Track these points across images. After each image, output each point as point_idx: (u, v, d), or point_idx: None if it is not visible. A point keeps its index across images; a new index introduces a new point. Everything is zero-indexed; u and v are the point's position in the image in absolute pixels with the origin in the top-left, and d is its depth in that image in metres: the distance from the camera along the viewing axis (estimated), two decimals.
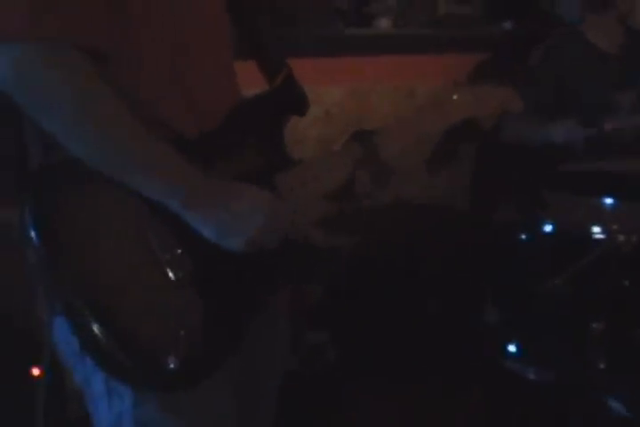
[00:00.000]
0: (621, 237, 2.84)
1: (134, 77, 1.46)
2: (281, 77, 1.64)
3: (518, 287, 3.02)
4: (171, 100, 1.49)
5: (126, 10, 1.42)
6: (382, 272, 3.44)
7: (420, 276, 3.46)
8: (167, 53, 1.48)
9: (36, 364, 2.37)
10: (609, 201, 2.95)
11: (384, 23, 4.35)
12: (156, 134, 1.42)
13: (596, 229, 2.92)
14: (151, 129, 1.42)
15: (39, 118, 1.38)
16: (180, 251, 1.46)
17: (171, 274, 1.45)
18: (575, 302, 2.87)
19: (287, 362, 1.89)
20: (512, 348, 3.00)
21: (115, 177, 1.40)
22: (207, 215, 1.44)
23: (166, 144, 1.43)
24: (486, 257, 3.27)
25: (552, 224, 3.00)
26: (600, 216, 2.94)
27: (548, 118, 3.17)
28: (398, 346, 3.24)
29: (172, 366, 1.42)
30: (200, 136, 1.50)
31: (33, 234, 1.41)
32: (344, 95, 3.73)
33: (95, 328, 1.40)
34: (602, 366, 2.82)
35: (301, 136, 3.41)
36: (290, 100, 1.64)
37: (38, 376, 2.39)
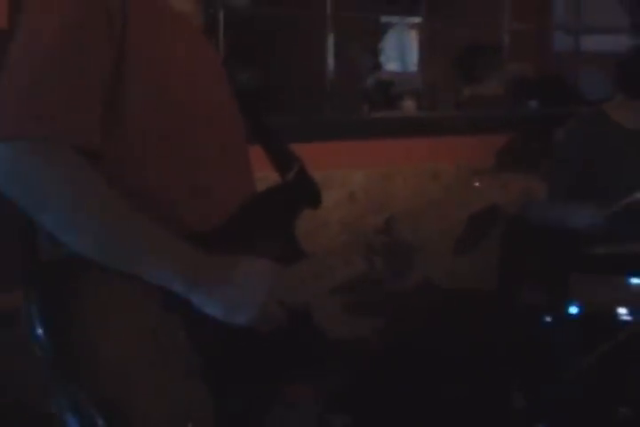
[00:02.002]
0: None
1: (138, 175, 1.48)
2: (294, 172, 1.65)
3: (545, 371, 2.98)
4: (179, 196, 1.51)
5: (123, 107, 1.44)
6: (407, 356, 3.41)
7: (446, 360, 3.42)
8: (171, 150, 1.50)
9: None
10: (635, 281, 2.92)
11: (409, 105, 4.40)
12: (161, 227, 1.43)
13: (623, 311, 2.88)
14: (158, 224, 1.43)
15: (35, 215, 1.40)
16: (189, 341, 1.45)
17: (180, 366, 1.44)
18: (602, 386, 2.82)
19: None
20: None
21: (116, 267, 1.41)
22: (211, 292, 1.44)
23: (164, 229, 1.43)
24: (512, 340, 3.23)
25: (578, 306, 2.97)
26: (626, 297, 2.90)
27: (570, 202, 3.16)
28: None
29: None
30: (210, 230, 1.51)
31: (39, 331, 1.41)
32: (368, 178, 3.75)
33: (101, 421, 1.39)
34: None
35: (324, 219, 3.42)
36: (303, 194, 1.66)
37: None
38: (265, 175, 1.68)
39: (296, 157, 1.69)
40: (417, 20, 4.54)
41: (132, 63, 1.45)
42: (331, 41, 4.06)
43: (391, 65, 5.03)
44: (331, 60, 4.06)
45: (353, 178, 3.71)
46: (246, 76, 4.31)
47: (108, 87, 1.43)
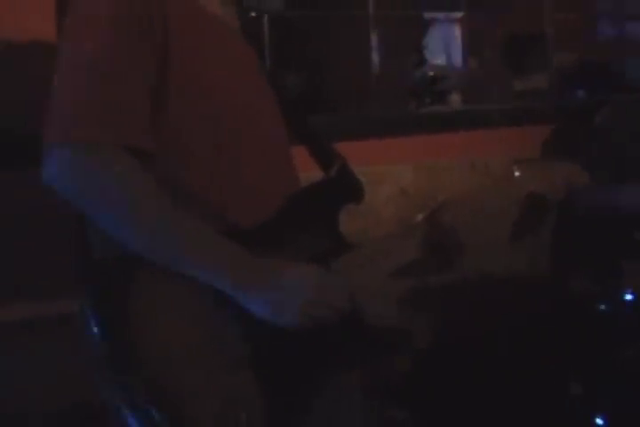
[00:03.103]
0: None
1: (186, 175, 1.54)
2: (336, 167, 1.69)
3: (601, 358, 2.99)
4: (224, 196, 1.56)
5: (169, 109, 1.50)
6: (462, 347, 3.42)
7: (504, 351, 3.43)
8: (216, 152, 1.56)
9: None
10: None
11: (455, 99, 4.41)
12: (210, 227, 1.48)
13: None
14: (205, 222, 1.48)
15: (91, 215, 1.46)
16: (240, 334, 1.50)
17: (231, 357, 1.49)
18: None
19: None
20: (599, 420, 2.95)
21: (168, 265, 1.47)
22: (257, 294, 1.49)
23: (213, 230, 1.48)
24: (567, 328, 3.24)
25: (632, 293, 2.98)
26: None
27: (615, 186, 3.17)
28: (481, 424, 3.20)
29: None
30: (255, 226, 1.56)
31: (96, 330, 1.47)
32: (419, 173, 3.78)
33: (159, 419, 1.44)
34: None
35: (377, 217, 3.46)
36: (346, 189, 1.70)
37: None
38: (311, 175, 1.73)
39: (338, 155, 1.74)
40: (459, 14, 4.55)
41: (175, 67, 1.51)
42: (374, 39, 4.08)
43: (436, 60, 5.03)
44: (375, 58, 4.09)
45: (404, 173, 3.74)
46: (294, 79, 4.37)
47: (155, 91, 1.49)
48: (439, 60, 4.95)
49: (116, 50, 1.47)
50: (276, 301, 1.49)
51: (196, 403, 1.45)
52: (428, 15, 4.92)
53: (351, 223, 3.30)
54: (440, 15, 4.86)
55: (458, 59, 4.77)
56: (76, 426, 2.58)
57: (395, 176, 3.69)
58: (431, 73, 4.82)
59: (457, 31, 4.74)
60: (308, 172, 1.78)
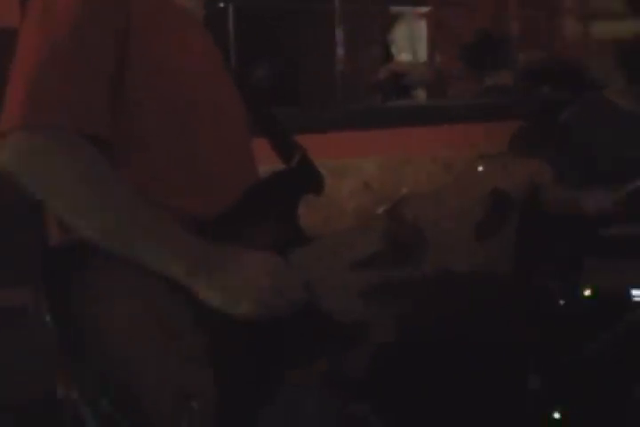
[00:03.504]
0: None
1: (142, 162, 1.52)
2: (297, 158, 1.69)
3: (560, 353, 3.01)
4: (180, 184, 1.55)
5: (127, 96, 1.49)
6: (424, 342, 3.44)
7: (464, 345, 3.45)
8: (174, 138, 1.54)
9: None
10: None
11: (420, 95, 4.43)
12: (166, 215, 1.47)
13: (636, 293, 2.91)
14: (164, 212, 1.47)
15: (45, 201, 1.44)
16: (193, 324, 1.49)
17: (185, 348, 1.48)
18: (616, 367, 2.85)
19: None
20: (556, 415, 2.97)
21: (121, 253, 1.45)
22: (211, 282, 1.47)
23: (169, 218, 1.47)
24: (527, 324, 3.26)
25: (591, 289, 3.00)
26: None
27: (578, 187, 3.20)
28: (441, 417, 3.22)
29: None
30: (213, 216, 1.55)
31: (49, 320, 1.44)
32: (382, 167, 3.78)
33: (109, 406, 1.43)
34: None
35: (340, 209, 3.46)
36: (306, 180, 1.69)
37: None
38: (273, 168, 1.72)
39: (299, 146, 1.73)
40: (425, 9, 4.57)
41: (135, 54, 1.50)
42: (340, 33, 4.08)
43: (402, 55, 5.05)
44: (341, 52, 4.08)
45: (367, 167, 3.74)
46: (261, 71, 4.36)
47: (114, 78, 1.47)
48: (405, 55, 4.96)
49: (76, 36, 1.45)
50: (230, 289, 1.48)
51: (148, 394, 1.44)
52: (394, 10, 4.93)
53: (313, 215, 3.29)
54: (406, 9, 4.87)
55: (423, 54, 4.78)
56: (34, 419, 2.55)
57: (358, 170, 3.70)
58: (396, 68, 4.84)
59: (423, 26, 4.76)
60: (270, 164, 1.77)
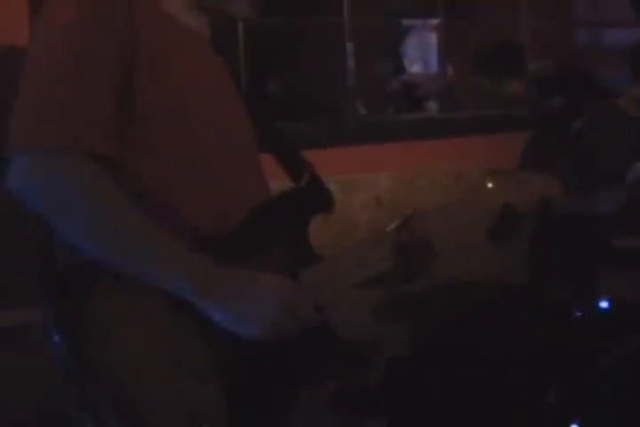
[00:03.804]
0: None
1: (149, 182, 1.52)
2: (306, 177, 1.68)
3: (577, 366, 2.99)
4: (189, 201, 1.54)
5: (135, 116, 1.49)
6: (438, 355, 3.42)
7: (479, 358, 3.43)
8: (180, 154, 1.54)
9: None
10: None
11: (432, 106, 4.42)
12: (177, 235, 1.47)
13: None
14: (172, 231, 1.47)
15: (53, 223, 1.44)
16: (202, 342, 1.49)
17: (193, 367, 1.48)
18: (634, 380, 2.83)
19: None
20: None
21: (132, 275, 1.45)
22: (221, 303, 1.47)
23: (177, 239, 1.47)
24: (543, 336, 3.24)
25: (607, 300, 2.99)
26: None
27: (590, 191, 3.20)
28: None
29: None
30: (223, 235, 1.54)
31: (57, 338, 1.45)
32: (394, 181, 3.78)
33: (117, 424, 1.43)
34: None
35: (352, 223, 3.46)
36: (316, 198, 1.69)
37: None
38: (283, 183, 1.72)
39: (307, 163, 1.73)
40: (436, 21, 4.56)
41: (141, 68, 1.49)
42: (350, 47, 4.08)
43: (414, 67, 5.05)
44: (352, 65, 4.08)
45: (378, 181, 3.74)
46: (273, 86, 4.37)
47: (120, 93, 1.47)
48: (416, 67, 4.96)
49: (80, 53, 1.45)
50: (240, 312, 1.46)
51: (159, 417, 1.44)
52: (405, 22, 4.93)
53: (326, 231, 3.29)
54: (417, 22, 4.86)
55: (434, 66, 4.78)
56: None
57: (370, 184, 3.69)
58: (409, 80, 4.83)
59: (433, 38, 4.75)
60: (280, 180, 1.76)
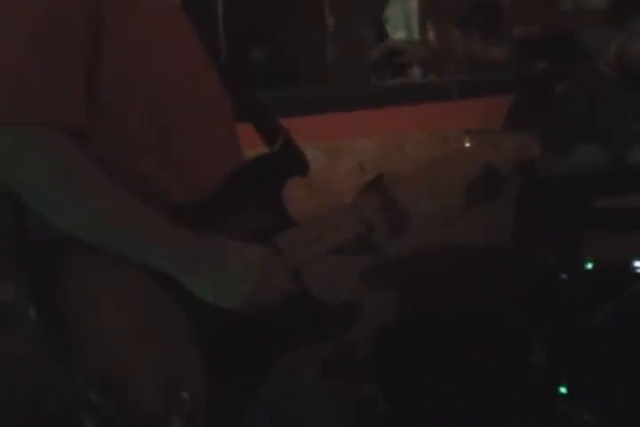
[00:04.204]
0: None
1: (121, 152, 1.51)
2: (280, 141, 1.68)
3: (563, 328, 3.00)
4: (163, 170, 1.53)
5: (104, 87, 1.47)
6: (426, 321, 3.44)
7: (465, 322, 3.45)
8: (152, 126, 1.53)
9: None
10: None
11: (415, 72, 4.41)
12: (151, 203, 1.46)
13: (638, 264, 2.91)
14: (146, 199, 1.46)
15: (26, 198, 1.43)
16: (182, 313, 1.49)
17: (173, 337, 1.48)
18: (620, 339, 2.85)
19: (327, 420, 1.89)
20: (563, 389, 2.97)
21: (108, 248, 1.44)
22: (201, 277, 1.47)
23: (155, 211, 1.46)
24: (529, 298, 3.26)
25: (592, 262, 3.00)
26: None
27: (574, 148, 3.23)
28: (448, 395, 3.22)
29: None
30: (198, 202, 1.54)
31: (33, 316, 1.44)
32: (377, 146, 3.77)
33: (99, 400, 1.42)
34: None
35: (338, 190, 3.45)
36: (290, 162, 1.68)
37: None
38: (258, 152, 1.71)
39: (282, 129, 1.72)
40: None
41: (109, 40, 1.48)
42: (331, 14, 4.06)
43: (397, 33, 5.02)
44: (332, 33, 4.06)
45: (362, 147, 3.73)
46: (256, 54, 4.34)
47: (89, 65, 1.46)
48: (399, 34, 4.93)
49: (50, 23, 1.43)
50: (219, 285, 1.48)
51: (138, 386, 1.44)
52: None
53: (310, 198, 3.28)
54: None
55: (417, 32, 4.75)
56: (17, 415, 2.55)
57: (354, 150, 3.68)
58: (392, 46, 4.82)
59: (415, 4, 4.73)
60: (257, 149, 1.76)
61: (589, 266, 3.00)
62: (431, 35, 4.67)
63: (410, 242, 1.97)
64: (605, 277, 2.96)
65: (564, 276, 3.06)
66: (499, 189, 3.24)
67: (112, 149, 1.51)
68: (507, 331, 3.33)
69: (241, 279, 1.49)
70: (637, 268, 2.91)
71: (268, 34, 4.43)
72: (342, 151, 3.65)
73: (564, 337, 3.00)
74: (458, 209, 3.21)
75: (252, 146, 1.74)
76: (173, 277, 1.47)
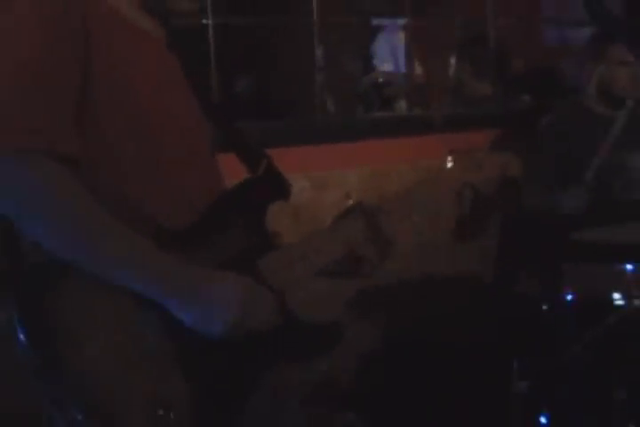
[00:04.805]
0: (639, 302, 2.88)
1: (108, 179, 1.55)
2: (262, 166, 1.73)
3: (544, 358, 3.04)
4: (149, 198, 1.58)
5: (89, 112, 1.52)
6: (413, 349, 3.46)
7: (446, 351, 3.48)
8: (138, 152, 1.57)
9: None
10: (628, 267, 3.00)
11: (401, 105, 4.46)
12: (138, 229, 1.50)
13: (616, 296, 2.95)
14: (133, 225, 1.50)
15: (18, 223, 1.47)
16: (166, 337, 1.53)
17: (158, 360, 1.51)
18: (599, 370, 2.88)
19: None
20: (543, 419, 3.00)
21: (97, 274, 1.48)
22: (187, 304, 1.51)
23: (143, 237, 1.50)
24: (511, 329, 3.29)
25: (572, 293, 3.04)
26: (619, 283, 2.98)
27: (557, 187, 3.26)
28: (429, 422, 3.25)
29: None
30: (184, 227, 1.59)
31: (23, 340, 1.47)
32: (364, 177, 3.81)
33: (84, 421, 1.45)
34: None
35: (322, 220, 3.48)
36: (272, 185, 1.73)
37: None
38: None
39: (264, 155, 1.77)
40: (404, 21, 4.60)
41: (97, 69, 1.52)
42: (320, 46, 4.11)
43: (384, 67, 5.07)
44: (322, 65, 4.11)
45: (349, 178, 3.77)
46: (244, 84, 4.38)
47: (79, 94, 1.50)
48: (386, 67, 4.99)
49: (43, 53, 1.47)
50: (203, 312, 1.52)
51: (126, 410, 1.46)
52: (374, 21, 4.96)
53: (296, 228, 3.31)
54: (385, 21, 4.90)
55: (404, 65, 4.81)
56: None
57: (341, 181, 3.72)
58: (379, 79, 4.87)
59: (402, 38, 4.78)
60: (238, 178, 1.80)
61: (569, 297, 3.03)
62: (418, 68, 4.72)
63: (394, 267, 1.99)
64: (585, 308, 2.99)
65: (545, 306, 3.09)
66: (486, 223, 3.30)
67: (99, 176, 1.55)
68: (489, 361, 3.36)
69: (227, 309, 1.52)
70: (616, 299, 2.95)
71: (257, 64, 4.48)
72: (329, 182, 3.69)
73: (545, 367, 3.03)
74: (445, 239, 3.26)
75: (235, 175, 1.79)
76: (159, 304, 1.51)
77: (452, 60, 4.88)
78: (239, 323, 1.52)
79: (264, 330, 1.56)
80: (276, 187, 1.73)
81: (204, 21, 3.71)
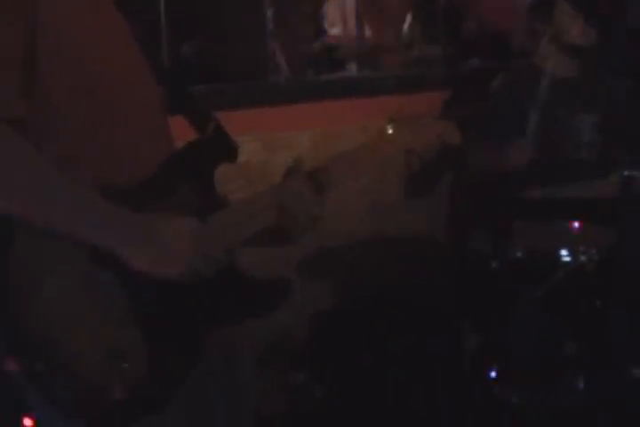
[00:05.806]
0: (585, 258, 2.94)
1: (58, 139, 1.56)
2: (210, 128, 1.74)
3: (494, 313, 3.09)
4: (98, 158, 1.60)
5: (39, 74, 1.52)
6: (365, 309, 3.50)
7: (399, 309, 3.52)
8: (87, 112, 1.58)
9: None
10: (575, 224, 3.06)
11: (352, 68, 4.47)
12: (89, 187, 1.51)
13: (564, 253, 3.01)
14: (83, 183, 1.51)
15: None
16: (122, 290, 1.55)
17: (114, 311, 1.54)
18: (548, 325, 2.94)
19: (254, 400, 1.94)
20: (493, 374, 3.06)
21: (45, 225, 1.49)
22: (135, 249, 1.54)
23: (88, 188, 1.52)
24: (462, 285, 3.34)
25: (521, 251, 3.09)
26: (566, 240, 3.03)
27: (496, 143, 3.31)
28: (383, 379, 3.29)
29: (117, 396, 1.50)
30: (133, 185, 1.60)
31: None
32: (315, 139, 3.82)
33: (40, 365, 1.47)
34: (580, 385, 2.89)
35: (273, 182, 3.49)
36: (220, 146, 1.75)
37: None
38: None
39: (212, 117, 1.78)
40: None
41: (44, 32, 1.52)
42: (270, 9, 4.10)
43: (334, 30, 5.07)
44: (271, 28, 4.10)
45: (299, 140, 3.78)
46: (189, 47, 4.36)
47: (25, 56, 1.50)
48: (336, 30, 4.99)
49: None
50: (154, 255, 1.54)
51: (81, 356, 1.49)
52: None
53: (247, 190, 3.32)
54: None
55: (354, 28, 4.80)
56: None
57: (291, 143, 3.73)
58: (329, 42, 4.87)
59: (352, 1, 4.78)
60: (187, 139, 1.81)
61: (519, 254, 3.09)
62: (368, 31, 4.73)
63: (346, 227, 2.00)
64: (534, 264, 3.05)
65: (495, 264, 3.14)
66: (434, 183, 3.33)
67: (50, 138, 1.55)
68: (439, 318, 3.41)
69: (174, 249, 1.56)
70: (564, 256, 3.00)
71: (207, 27, 4.46)
72: (280, 144, 3.70)
73: (494, 323, 3.09)
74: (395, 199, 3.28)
75: (184, 137, 1.80)
76: (111, 252, 1.52)
77: (406, 23, 4.88)
78: (188, 261, 1.55)
79: (212, 270, 1.58)
80: (224, 148, 1.75)
81: None
